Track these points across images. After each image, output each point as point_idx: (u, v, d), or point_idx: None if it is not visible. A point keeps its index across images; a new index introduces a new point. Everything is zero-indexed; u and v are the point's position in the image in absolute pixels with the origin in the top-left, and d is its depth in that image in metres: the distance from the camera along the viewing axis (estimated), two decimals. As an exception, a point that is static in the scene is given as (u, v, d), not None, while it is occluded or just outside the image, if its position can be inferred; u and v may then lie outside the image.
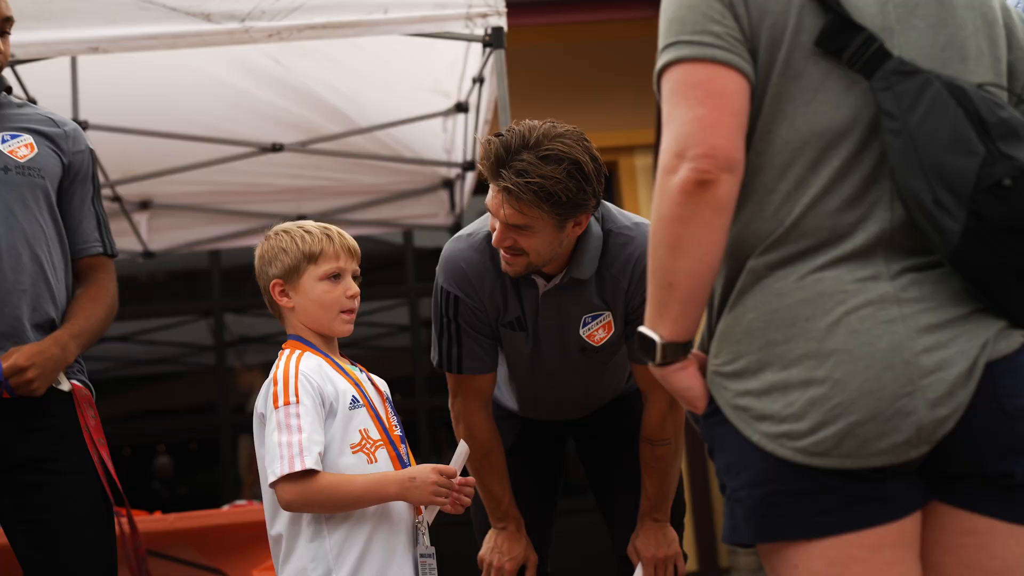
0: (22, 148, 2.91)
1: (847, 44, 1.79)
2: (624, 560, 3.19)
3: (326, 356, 2.71)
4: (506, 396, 3.29)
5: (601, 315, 2.97)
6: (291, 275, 2.72)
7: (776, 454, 1.75)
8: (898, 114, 1.75)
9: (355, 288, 2.75)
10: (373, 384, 2.78)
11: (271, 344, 8.20)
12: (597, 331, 2.98)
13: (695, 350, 1.91)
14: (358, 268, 2.79)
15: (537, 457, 3.33)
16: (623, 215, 2.99)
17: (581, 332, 2.99)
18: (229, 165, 5.72)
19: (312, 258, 2.71)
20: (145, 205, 6.10)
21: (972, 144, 1.72)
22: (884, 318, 1.74)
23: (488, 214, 2.99)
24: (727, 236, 1.81)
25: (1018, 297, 1.76)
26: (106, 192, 5.69)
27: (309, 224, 2.79)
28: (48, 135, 2.96)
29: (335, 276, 2.73)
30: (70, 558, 2.75)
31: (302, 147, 5.69)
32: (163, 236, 6.23)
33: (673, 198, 1.76)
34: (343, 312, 2.73)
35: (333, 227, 2.80)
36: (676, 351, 1.85)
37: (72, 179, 2.98)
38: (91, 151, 3.06)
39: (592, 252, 2.90)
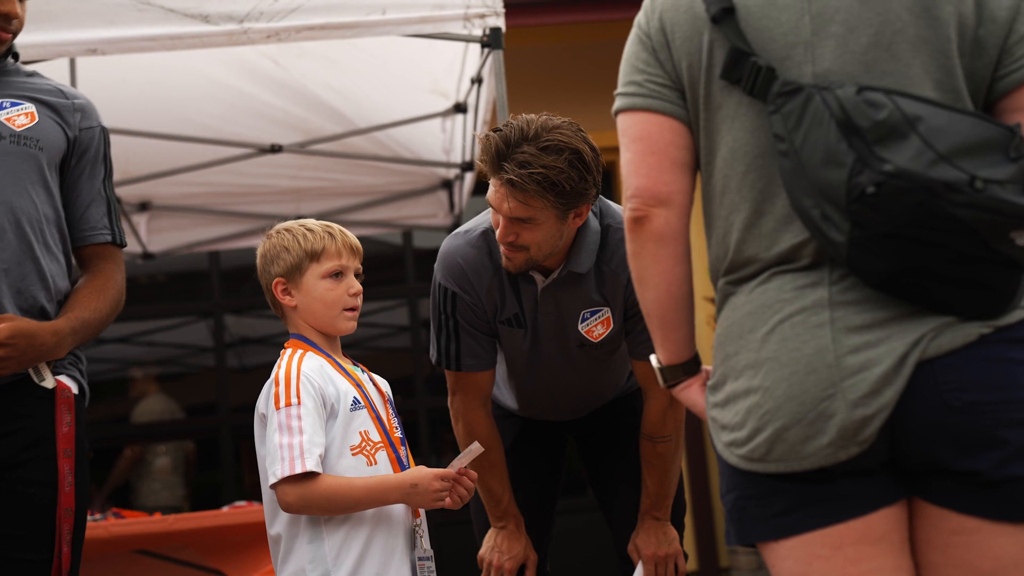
0: (21, 116, 2.67)
1: (742, 74, 1.84)
2: (624, 558, 3.20)
3: (328, 356, 2.71)
4: (505, 395, 3.30)
5: (600, 311, 2.98)
6: (293, 273, 2.72)
7: (728, 461, 1.84)
8: (785, 135, 1.78)
9: (358, 286, 2.76)
10: (375, 384, 2.78)
11: (271, 345, 8.21)
12: (596, 327, 3.00)
13: (708, 367, 2.00)
14: (360, 266, 2.79)
15: (536, 456, 3.33)
16: (622, 210, 3.00)
17: (580, 328, 3.00)
18: (228, 166, 5.72)
19: (314, 256, 2.72)
20: (144, 206, 6.10)
21: (841, 155, 1.72)
22: (814, 323, 1.78)
23: (485, 212, 2.99)
24: (683, 263, 1.93)
25: (946, 297, 1.74)
26: (105, 194, 5.69)
27: (311, 222, 2.79)
28: (53, 106, 2.74)
29: (337, 274, 2.73)
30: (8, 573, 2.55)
31: (301, 148, 5.69)
32: (162, 237, 6.23)
33: (626, 236, 1.95)
34: (346, 310, 2.74)
35: (335, 225, 2.79)
36: (676, 372, 1.97)
37: (79, 156, 2.74)
38: (104, 130, 2.83)
39: (590, 246, 2.92)
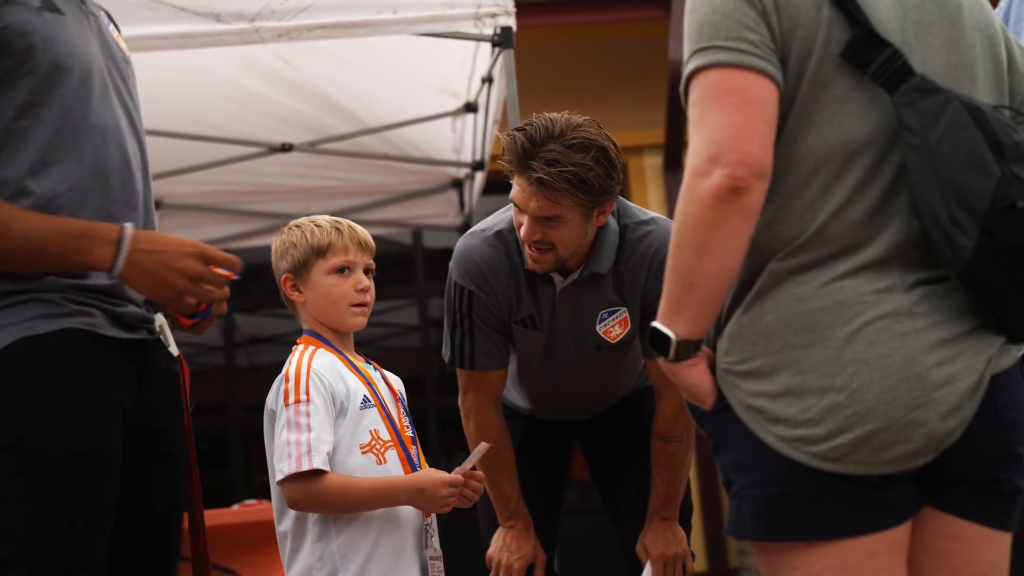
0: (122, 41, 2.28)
1: (873, 58, 1.81)
2: (632, 557, 3.19)
3: (340, 353, 2.71)
4: (514, 395, 3.29)
5: (617, 311, 2.98)
6: (300, 269, 2.72)
7: (791, 457, 1.78)
8: (919, 130, 1.78)
9: (365, 282, 2.75)
10: (387, 383, 2.78)
11: (281, 344, 8.21)
12: (613, 327, 3.00)
13: (704, 347, 1.92)
14: (371, 262, 2.78)
15: (544, 456, 3.33)
16: (640, 210, 3.01)
17: (597, 328, 2.99)
18: (239, 165, 5.73)
19: (320, 252, 2.72)
20: (155, 205, 6.08)
21: (989, 165, 1.75)
22: (900, 331, 1.78)
23: (500, 211, 2.99)
24: (748, 243, 1.83)
25: (1019, 315, 1.81)
26: (116, 192, 5.68)
27: (321, 218, 2.79)
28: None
29: (343, 270, 2.72)
30: (171, 552, 2.23)
31: (311, 147, 5.69)
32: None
33: (704, 202, 1.77)
34: (353, 306, 2.73)
35: (345, 220, 2.79)
36: (689, 348, 1.87)
37: None
38: None
39: (610, 246, 2.92)
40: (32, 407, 1.95)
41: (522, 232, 2.83)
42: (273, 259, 2.79)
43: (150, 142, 2.49)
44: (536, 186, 2.74)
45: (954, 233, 1.75)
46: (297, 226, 2.78)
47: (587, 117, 2.82)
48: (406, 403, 2.80)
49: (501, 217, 3.00)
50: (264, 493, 6.73)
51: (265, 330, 8.70)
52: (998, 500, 1.85)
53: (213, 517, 4.33)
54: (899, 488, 1.80)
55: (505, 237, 2.96)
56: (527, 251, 2.87)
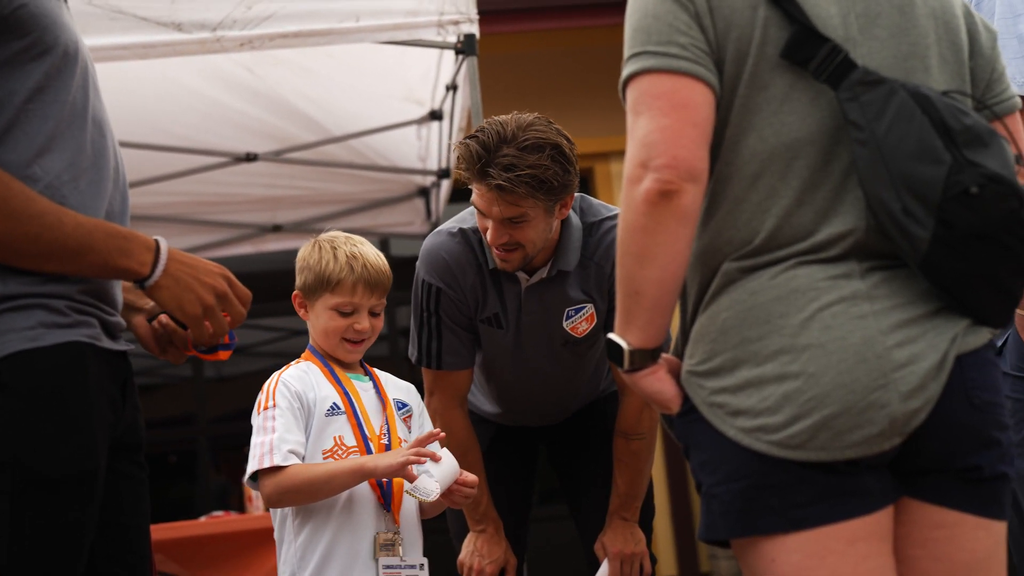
0: None
1: (813, 55, 1.81)
2: (593, 560, 3.21)
3: (324, 364, 2.75)
4: (480, 400, 3.30)
5: (584, 307, 3.00)
6: (309, 293, 2.76)
7: (752, 448, 1.77)
8: (864, 124, 1.77)
9: (363, 325, 2.73)
10: (381, 391, 2.78)
11: (250, 356, 8.16)
12: (580, 323, 3.01)
13: (667, 355, 1.92)
14: (380, 301, 2.75)
15: (511, 461, 3.34)
16: (604, 206, 3.04)
17: (565, 325, 3.01)
18: (204, 175, 5.70)
19: (328, 285, 2.72)
20: (119, 217, 6.06)
21: (938, 152, 1.74)
22: (856, 314, 1.77)
23: (466, 212, 3.00)
24: (692, 244, 1.83)
25: (987, 301, 1.80)
26: (80, 204, 5.64)
27: (344, 245, 2.75)
28: None
29: (346, 312, 2.72)
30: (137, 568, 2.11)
31: (276, 156, 5.68)
32: (138, 248, 6.18)
33: (637, 208, 1.79)
34: (346, 340, 2.74)
35: (367, 254, 2.75)
36: (644, 357, 1.87)
37: None
38: None
39: (575, 243, 2.95)
40: (31, 425, 1.85)
41: (488, 236, 2.84)
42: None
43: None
44: (496, 192, 2.75)
45: (909, 225, 1.74)
46: (319, 248, 2.74)
47: (536, 115, 2.83)
48: (408, 410, 2.81)
49: (465, 216, 3.01)
50: (232, 505, 6.70)
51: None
52: (981, 487, 1.82)
53: (180, 529, 4.33)
54: (872, 475, 1.78)
55: (470, 236, 2.97)
56: (495, 251, 2.88)
